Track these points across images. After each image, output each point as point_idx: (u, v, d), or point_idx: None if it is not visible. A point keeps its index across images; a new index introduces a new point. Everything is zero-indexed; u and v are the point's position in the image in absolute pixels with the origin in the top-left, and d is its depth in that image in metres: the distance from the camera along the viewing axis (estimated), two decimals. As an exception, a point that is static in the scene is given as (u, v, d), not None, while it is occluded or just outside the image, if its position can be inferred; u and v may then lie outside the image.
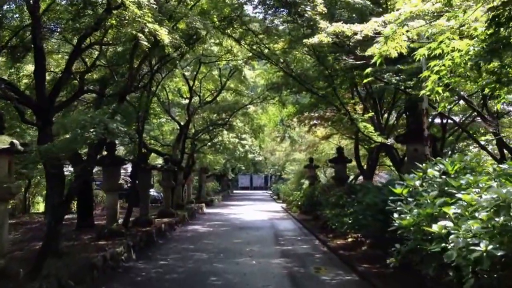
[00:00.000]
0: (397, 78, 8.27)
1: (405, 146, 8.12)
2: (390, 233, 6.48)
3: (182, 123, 17.67)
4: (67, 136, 6.26)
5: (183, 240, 11.53)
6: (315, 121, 18.07)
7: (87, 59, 11.13)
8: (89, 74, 11.38)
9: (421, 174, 4.95)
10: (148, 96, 11.31)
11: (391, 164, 20.04)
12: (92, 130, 5.50)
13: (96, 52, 10.88)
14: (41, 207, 22.26)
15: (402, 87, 8.45)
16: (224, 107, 19.15)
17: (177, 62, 13.95)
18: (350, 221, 9.33)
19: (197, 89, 18.64)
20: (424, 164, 5.07)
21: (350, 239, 10.48)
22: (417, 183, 4.79)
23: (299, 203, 18.29)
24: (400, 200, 4.86)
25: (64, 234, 11.29)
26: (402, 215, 4.48)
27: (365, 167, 15.93)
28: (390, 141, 10.22)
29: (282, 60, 12.74)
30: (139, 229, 11.33)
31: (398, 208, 4.60)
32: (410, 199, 4.76)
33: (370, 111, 12.47)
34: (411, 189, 4.92)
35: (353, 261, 8.07)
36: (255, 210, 21.89)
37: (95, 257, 7.28)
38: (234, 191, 47.52)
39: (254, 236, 12.18)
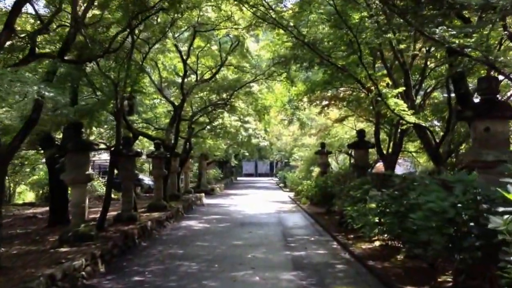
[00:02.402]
0: (452, 33, 6.04)
1: (470, 125, 5.88)
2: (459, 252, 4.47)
3: (176, 104, 15.50)
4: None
5: (172, 241, 9.53)
6: (328, 101, 15.97)
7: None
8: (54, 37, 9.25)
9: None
10: (129, 66, 9.19)
11: (412, 150, 18.01)
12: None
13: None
14: (26, 197, 20.47)
15: (457, 46, 6.15)
16: (224, 86, 16.92)
17: (167, 29, 11.83)
18: (377, 221, 7.41)
19: (194, 66, 16.47)
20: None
21: (377, 243, 8.45)
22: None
23: (310, 193, 16.22)
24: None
25: (29, 234, 9.45)
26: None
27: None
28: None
29: (292, 25, 10.54)
30: (119, 228, 9.39)
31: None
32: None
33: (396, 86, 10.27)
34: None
35: (391, 279, 6.01)
36: (260, 201, 19.83)
37: (36, 278, 5.25)
38: (238, 178, 45.61)
39: (258, 236, 10.16)
